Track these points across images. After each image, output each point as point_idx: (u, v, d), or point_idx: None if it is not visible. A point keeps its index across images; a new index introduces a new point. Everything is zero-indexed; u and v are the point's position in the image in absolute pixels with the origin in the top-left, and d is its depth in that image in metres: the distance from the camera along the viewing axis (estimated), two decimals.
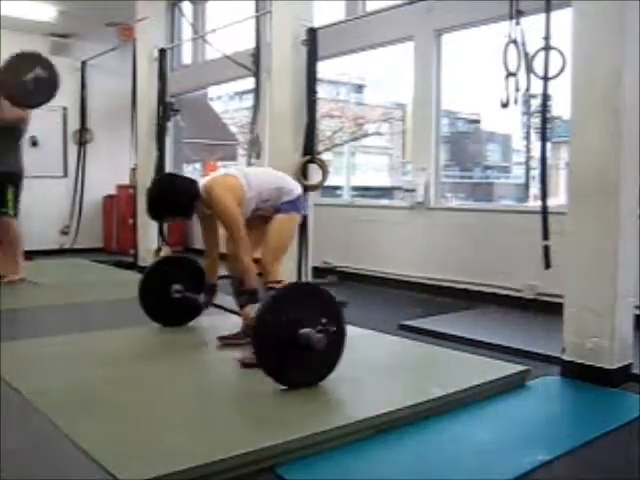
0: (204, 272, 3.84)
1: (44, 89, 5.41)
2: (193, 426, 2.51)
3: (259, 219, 3.59)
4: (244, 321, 3.49)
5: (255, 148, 6.49)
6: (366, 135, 10.69)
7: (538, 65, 3.51)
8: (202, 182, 3.53)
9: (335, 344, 2.94)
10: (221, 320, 3.99)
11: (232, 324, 3.75)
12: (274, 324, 2.83)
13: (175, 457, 2.17)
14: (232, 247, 3.52)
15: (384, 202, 8.01)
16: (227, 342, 3.67)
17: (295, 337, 2.83)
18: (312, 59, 5.11)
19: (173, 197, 3.44)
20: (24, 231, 5.96)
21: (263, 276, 3.50)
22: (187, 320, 4.10)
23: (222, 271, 3.82)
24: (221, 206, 3.37)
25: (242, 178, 3.51)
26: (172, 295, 3.98)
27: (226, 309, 3.78)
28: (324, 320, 2.89)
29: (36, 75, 5.37)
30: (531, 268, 4.48)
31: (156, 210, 3.53)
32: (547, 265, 3.57)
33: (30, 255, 7.43)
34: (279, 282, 3.45)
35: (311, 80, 5.13)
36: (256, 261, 3.51)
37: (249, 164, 7.45)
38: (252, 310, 3.26)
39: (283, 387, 2.90)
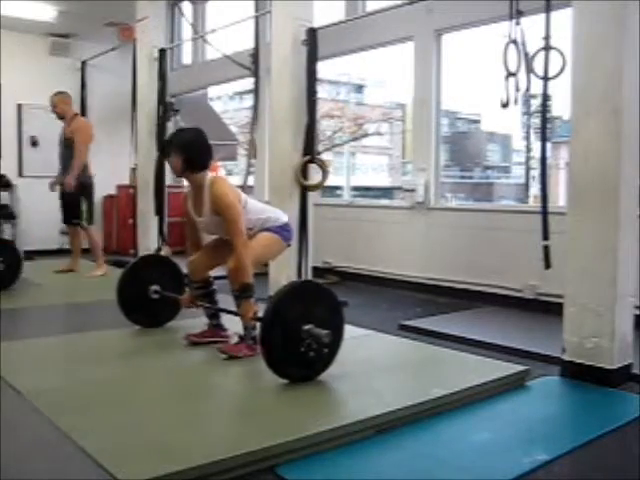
0: (180, 272, 3.96)
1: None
2: (193, 426, 2.50)
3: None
4: (242, 319, 3.47)
5: (251, 149, 6.51)
6: (366, 135, 10.70)
7: (538, 65, 3.51)
8: (207, 176, 3.54)
9: (334, 341, 3.02)
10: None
11: (232, 324, 3.75)
12: (281, 320, 2.91)
13: (175, 457, 2.17)
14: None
15: (384, 202, 8.02)
16: (194, 340, 3.71)
17: (299, 333, 2.90)
18: (312, 59, 5.11)
19: (201, 147, 3.52)
20: (24, 231, 6.03)
21: (232, 281, 3.47)
22: (165, 321, 4.14)
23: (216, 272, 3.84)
24: (228, 199, 3.41)
25: (241, 194, 3.61)
26: (150, 295, 4.02)
27: (220, 309, 3.78)
28: (326, 317, 2.99)
29: None
30: (531, 268, 4.49)
31: (180, 142, 3.50)
32: (547, 265, 3.57)
33: (31, 255, 7.45)
34: (249, 286, 3.44)
35: (311, 80, 5.13)
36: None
37: (249, 164, 7.46)
38: (248, 305, 3.34)
39: (284, 385, 2.89)
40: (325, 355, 3.02)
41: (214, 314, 3.79)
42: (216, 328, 3.79)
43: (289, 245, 3.78)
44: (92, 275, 6.34)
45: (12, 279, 5.46)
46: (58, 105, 6.32)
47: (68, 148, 6.23)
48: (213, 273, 3.85)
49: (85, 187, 6.27)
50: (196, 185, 3.54)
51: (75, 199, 6.22)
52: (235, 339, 3.63)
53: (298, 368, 2.97)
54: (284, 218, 3.72)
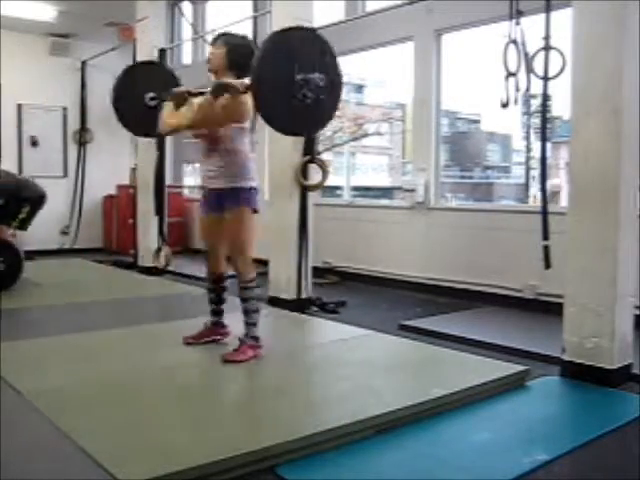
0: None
1: None
2: (193, 426, 2.51)
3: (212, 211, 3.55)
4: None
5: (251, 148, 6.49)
6: (366, 135, 10.69)
7: (538, 65, 3.51)
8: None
9: (331, 95, 2.98)
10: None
11: (235, 324, 3.76)
12: (273, 69, 2.86)
13: (175, 457, 2.18)
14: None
15: (384, 202, 8.01)
16: (191, 342, 3.71)
17: (293, 82, 2.85)
18: None
19: (248, 51, 3.38)
20: (24, 231, 5.96)
21: (237, 277, 3.50)
22: None
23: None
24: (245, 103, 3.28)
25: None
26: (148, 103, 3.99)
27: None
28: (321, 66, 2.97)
29: None
30: (531, 268, 4.49)
31: (232, 39, 3.45)
32: (547, 265, 3.57)
33: (31, 255, 7.45)
34: (253, 280, 3.48)
35: None
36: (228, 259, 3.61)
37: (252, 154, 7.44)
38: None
39: (284, 384, 2.89)
40: (322, 108, 2.94)
41: (217, 311, 3.78)
42: (216, 326, 3.78)
43: (256, 211, 3.58)
44: None
45: (13, 279, 5.47)
46: None
47: None
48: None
49: None
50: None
51: None
52: (231, 336, 3.64)
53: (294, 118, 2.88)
54: (253, 183, 3.54)
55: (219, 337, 3.74)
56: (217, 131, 3.42)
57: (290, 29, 3.44)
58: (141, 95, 4.01)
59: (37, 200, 5.87)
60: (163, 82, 4.05)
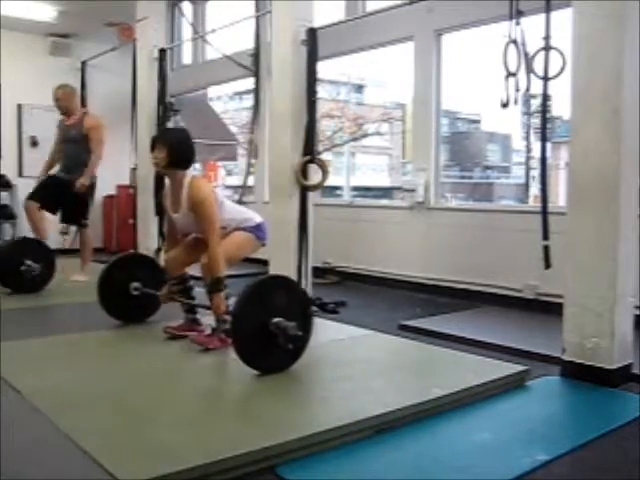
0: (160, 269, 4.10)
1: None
2: (193, 426, 2.50)
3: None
4: (214, 312, 3.55)
5: (251, 149, 6.51)
6: (366, 135, 10.70)
7: (538, 65, 3.51)
8: (186, 176, 3.64)
9: (303, 336, 3.15)
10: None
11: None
12: (251, 313, 3.05)
13: (175, 457, 2.17)
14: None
15: (384, 202, 8.02)
16: (172, 332, 3.82)
17: (268, 325, 3.03)
18: (312, 59, 5.11)
19: (187, 145, 3.67)
20: (24, 231, 6.00)
21: (208, 272, 3.57)
22: (146, 316, 4.28)
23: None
24: (205, 199, 3.53)
25: (217, 193, 3.75)
26: (131, 292, 4.15)
27: (196, 304, 3.90)
28: (296, 312, 3.12)
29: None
30: (531, 268, 4.49)
31: (167, 138, 3.67)
32: (547, 265, 3.57)
33: None
34: (221, 280, 3.54)
35: (311, 80, 5.13)
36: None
37: (249, 164, 7.47)
38: (220, 298, 3.47)
39: (284, 384, 2.89)
40: (294, 347, 3.13)
41: (190, 309, 3.90)
42: (192, 323, 3.89)
43: (264, 244, 3.88)
44: (76, 279, 5.98)
45: (47, 279, 5.49)
46: (62, 99, 5.97)
47: (77, 145, 5.86)
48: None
49: (93, 187, 6.06)
50: (176, 182, 3.64)
51: (85, 199, 5.99)
52: (208, 331, 3.72)
53: (268, 360, 3.09)
54: (258, 219, 3.84)
55: (195, 333, 3.80)
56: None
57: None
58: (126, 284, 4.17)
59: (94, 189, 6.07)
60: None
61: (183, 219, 3.67)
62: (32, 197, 5.81)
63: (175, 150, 3.57)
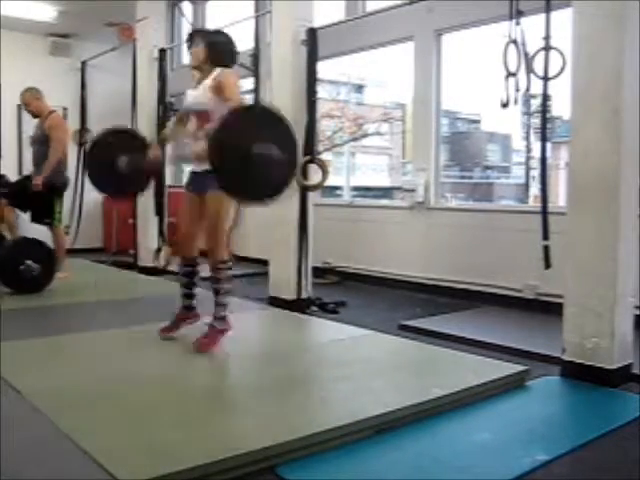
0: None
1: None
2: (193, 426, 2.50)
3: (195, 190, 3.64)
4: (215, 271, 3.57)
5: None
6: (366, 135, 10.68)
7: (538, 65, 3.51)
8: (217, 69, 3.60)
9: (285, 167, 3.10)
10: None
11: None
12: (229, 141, 2.98)
13: (175, 457, 2.17)
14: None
15: (384, 202, 8.01)
16: (166, 335, 3.79)
17: (249, 153, 2.96)
18: (312, 59, 5.11)
19: (227, 43, 3.65)
20: (24, 232, 5.98)
21: (210, 259, 3.58)
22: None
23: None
24: (236, 87, 3.55)
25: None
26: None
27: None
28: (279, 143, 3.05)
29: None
30: (531, 268, 4.49)
31: (208, 33, 3.68)
32: (547, 265, 3.57)
33: None
34: (226, 262, 3.58)
35: (311, 80, 5.13)
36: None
37: None
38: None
39: (284, 384, 2.88)
40: (275, 179, 3.09)
41: (190, 294, 3.82)
42: (187, 310, 3.83)
43: None
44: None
45: (48, 280, 5.44)
46: (31, 102, 6.02)
47: (41, 145, 5.84)
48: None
49: (58, 187, 5.91)
50: (204, 75, 3.59)
51: (48, 199, 5.81)
52: (205, 320, 3.70)
53: (249, 188, 3.06)
54: None
55: (190, 320, 3.80)
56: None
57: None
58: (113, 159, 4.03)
59: (62, 188, 5.99)
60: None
61: (197, 95, 3.59)
62: (2, 195, 5.86)
63: (213, 46, 3.57)
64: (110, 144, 4.06)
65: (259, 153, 2.99)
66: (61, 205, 6.00)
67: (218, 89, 3.46)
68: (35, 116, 6.05)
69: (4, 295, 5.20)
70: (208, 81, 3.54)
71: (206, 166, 3.37)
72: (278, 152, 2.99)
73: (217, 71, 3.54)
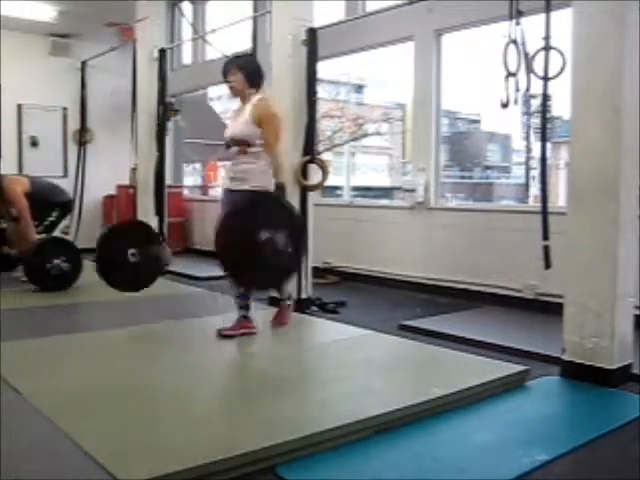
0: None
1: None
2: (193, 426, 2.51)
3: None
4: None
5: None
6: (366, 135, 10.69)
7: (538, 65, 3.50)
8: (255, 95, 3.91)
9: (294, 256, 3.25)
10: (220, 320, 4.00)
11: (230, 324, 3.76)
12: (237, 229, 3.12)
13: (175, 457, 2.17)
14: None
15: (384, 202, 8.02)
16: (226, 333, 3.80)
17: (256, 241, 3.10)
18: (312, 59, 5.11)
19: (258, 67, 4.02)
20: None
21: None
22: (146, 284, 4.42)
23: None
24: (278, 118, 3.88)
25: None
26: (129, 260, 4.28)
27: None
28: (284, 231, 3.21)
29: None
30: (531, 268, 4.48)
31: (242, 60, 4.00)
32: (547, 265, 3.57)
33: None
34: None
35: (311, 80, 5.13)
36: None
37: None
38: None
39: (284, 384, 2.88)
40: (283, 267, 3.22)
41: (244, 306, 3.93)
42: (243, 319, 3.93)
43: None
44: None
45: (74, 277, 5.69)
46: None
47: None
48: (211, 273, 3.95)
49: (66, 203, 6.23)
50: (245, 101, 3.89)
51: None
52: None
53: (255, 275, 3.19)
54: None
55: (249, 331, 3.90)
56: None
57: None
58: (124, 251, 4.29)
59: (66, 205, 6.23)
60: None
61: (238, 124, 3.85)
62: None
63: (251, 70, 3.90)
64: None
65: (265, 246, 3.15)
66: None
67: (259, 121, 3.77)
68: None
69: (30, 292, 5.43)
70: (250, 109, 3.82)
71: (244, 186, 3.72)
72: (283, 243, 3.14)
73: (256, 98, 3.86)
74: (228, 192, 3.87)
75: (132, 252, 4.21)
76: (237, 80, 3.86)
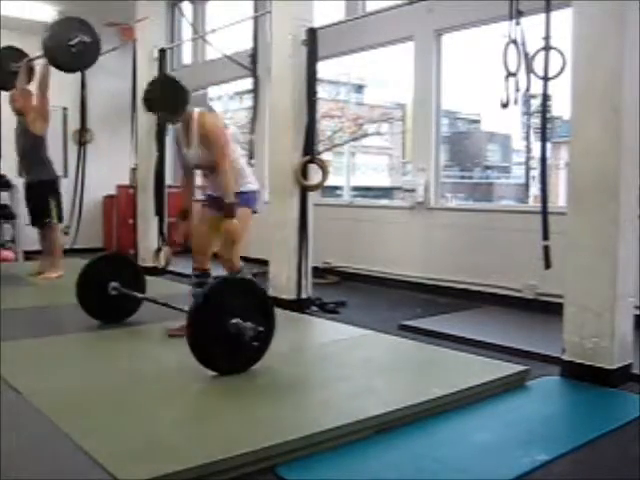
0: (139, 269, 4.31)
1: (88, 53, 5.73)
2: (193, 426, 2.51)
3: (212, 208, 3.93)
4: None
5: (251, 150, 6.53)
6: (366, 135, 10.68)
7: (538, 65, 3.50)
8: (194, 111, 3.77)
9: (264, 338, 3.14)
10: None
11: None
12: (207, 314, 3.03)
13: (175, 457, 2.17)
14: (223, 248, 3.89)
15: (384, 202, 8.02)
16: (175, 333, 3.78)
17: (226, 326, 3.02)
18: (312, 59, 5.11)
19: (176, 89, 3.71)
20: (24, 231, 6.02)
21: (225, 267, 3.93)
22: (126, 316, 4.29)
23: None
24: (216, 128, 3.74)
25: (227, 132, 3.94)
26: (110, 292, 4.16)
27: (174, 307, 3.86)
28: (254, 313, 3.12)
29: (81, 40, 5.69)
30: (531, 268, 4.48)
31: (158, 99, 3.70)
32: (547, 265, 3.57)
33: (30, 255, 7.45)
34: (240, 271, 3.93)
35: (311, 80, 5.13)
36: (216, 255, 3.99)
37: (249, 164, 7.45)
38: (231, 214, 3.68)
39: (284, 385, 2.88)
40: (254, 348, 3.13)
41: None
42: None
43: (255, 212, 4.00)
44: (47, 277, 5.96)
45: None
46: (18, 100, 6.04)
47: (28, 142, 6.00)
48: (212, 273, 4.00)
49: (48, 182, 6.05)
50: (185, 122, 3.78)
51: (42, 198, 5.97)
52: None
53: (226, 361, 3.09)
54: (254, 186, 3.98)
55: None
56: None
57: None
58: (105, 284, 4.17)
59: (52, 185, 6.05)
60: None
61: (195, 152, 3.81)
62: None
63: (174, 102, 3.67)
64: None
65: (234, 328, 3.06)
66: (57, 202, 6.06)
67: (206, 141, 3.71)
68: (20, 114, 6.11)
69: (30, 292, 5.43)
70: (195, 129, 3.73)
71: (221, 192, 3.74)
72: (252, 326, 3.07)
73: (195, 114, 3.74)
74: (212, 197, 3.96)
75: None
76: (166, 116, 3.82)
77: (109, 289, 4.15)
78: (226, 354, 3.08)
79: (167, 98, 3.66)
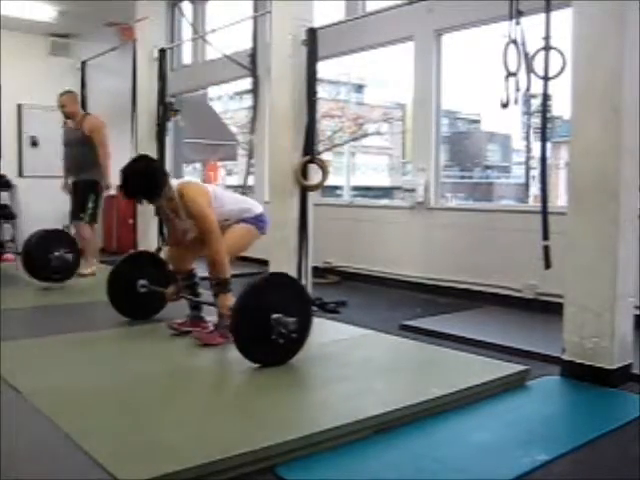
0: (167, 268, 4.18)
1: None
2: (193, 426, 2.51)
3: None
4: (219, 309, 3.62)
5: (251, 149, 6.55)
6: (366, 135, 10.70)
7: (538, 65, 3.50)
8: (174, 183, 3.68)
9: (302, 331, 3.26)
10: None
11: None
12: (252, 308, 3.14)
13: (175, 457, 2.17)
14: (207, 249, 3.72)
15: (384, 202, 8.02)
16: (177, 328, 3.89)
17: (268, 321, 3.12)
18: (312, 59, 5.11)
19: (152, 177, 3.58)
20: (24, 231, 6.05)
21: (212, 273, 3.66)
22: (154, 313, 4.34)
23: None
24: (196, 206, 3.58)
25: (210, 191, 3.76)
26: (138, 290, 4.20)
27: (201, 301, 3.98)
28: (295, 307, 3.22)
29: None
30: (531, 268, 4.48)
31: (131, 188, 3.59)
32: (547, 265, 3.56)
33: None
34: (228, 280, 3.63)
35: (311, 80, 5.13)
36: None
37: (249, 164, 7.47)
38: (226, 299, 3.49)
39: (284, 384, 2.89)
40: (293, 341, 3.23)
41: (196, 306, 3.98)
42: (197, 319, 3.97)
43: (264, 233, 3.96)
44: (79, 273, 6.01)
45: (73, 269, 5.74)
46: (67, 105, 6.24)
47: (82, 147, 6.20)
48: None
49: (95, 183, 6.29)
50: (168, 199, 3.68)
51: (84, 196, 6.23)
52: (211, 328, 3.83)
53: (268, 354, 3.19)
54: (258, 209, 3.91)
55: (199, 329, 3.89)
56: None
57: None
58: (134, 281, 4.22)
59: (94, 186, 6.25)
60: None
61: (184, 224, 3.78)
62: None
63: (151, 191, 3.58)
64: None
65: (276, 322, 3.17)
66: (95, 203, 6.28)
67: (191, 216, 3.62)
68: (68, 117, 6.30)
69: (30, 292, 5.46)
70: (180, 206, 3.64)
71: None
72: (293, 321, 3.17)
73: (175, 191, 3.63)
74: None
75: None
76: (149, 203, 3.82)
77: (137, 287, 4.19)
78: (268, 348, 3.18)
79: (140, 186, 3.56)
